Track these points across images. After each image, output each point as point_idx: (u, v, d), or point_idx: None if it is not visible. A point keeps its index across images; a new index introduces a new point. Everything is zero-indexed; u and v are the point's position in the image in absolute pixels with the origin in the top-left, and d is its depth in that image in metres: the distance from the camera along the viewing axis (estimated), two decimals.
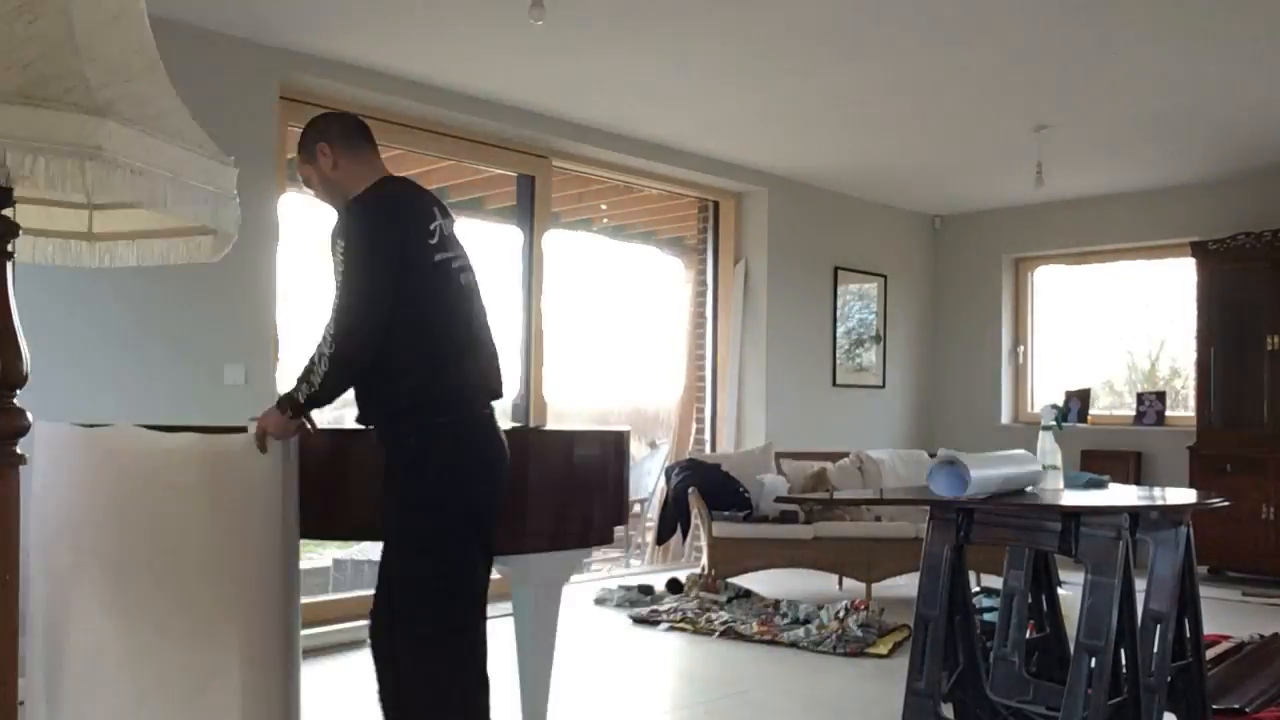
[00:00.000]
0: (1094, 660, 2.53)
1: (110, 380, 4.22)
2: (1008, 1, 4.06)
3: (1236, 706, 3.50)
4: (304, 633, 4.63)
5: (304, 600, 5.29)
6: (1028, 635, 3.13)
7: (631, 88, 5.24)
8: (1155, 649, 2.91)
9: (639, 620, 5.14)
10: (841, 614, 4.76)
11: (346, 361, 2.40)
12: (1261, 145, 6.15)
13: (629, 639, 4.84)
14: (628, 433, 3.36)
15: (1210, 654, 4.33)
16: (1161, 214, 7.35)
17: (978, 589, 4.65)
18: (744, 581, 5.69)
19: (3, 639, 1.53)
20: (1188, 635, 3.05)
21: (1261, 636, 4.65)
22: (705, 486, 5.75)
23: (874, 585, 5.52)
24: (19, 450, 1.56)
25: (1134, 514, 2.78)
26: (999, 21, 4.26)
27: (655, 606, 5.34)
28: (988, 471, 2.67)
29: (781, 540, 5.54)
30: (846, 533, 5.52)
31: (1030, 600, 3.22)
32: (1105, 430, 7.54)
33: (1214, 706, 3.47)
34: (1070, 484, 3.15)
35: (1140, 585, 2.75)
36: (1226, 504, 2.99)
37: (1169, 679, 2.96)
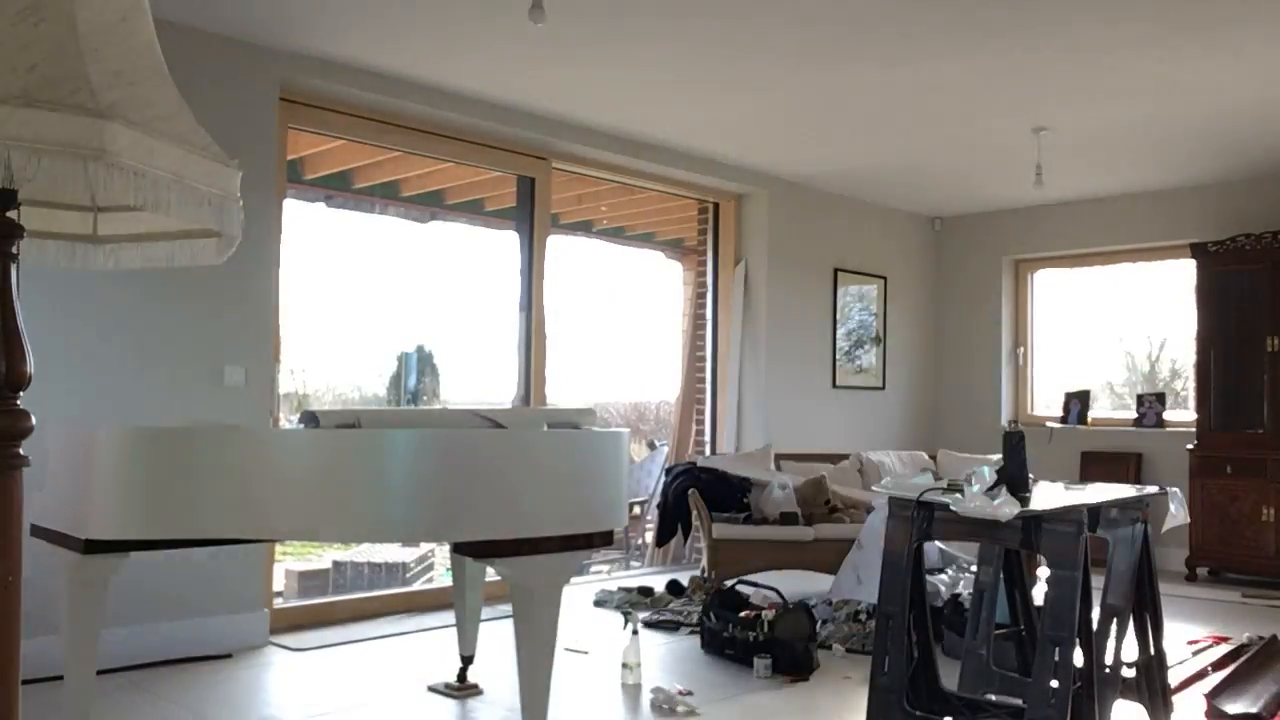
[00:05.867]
0: (1058, 651, 2.56)
1: (111, 381, 4.22)
2: (1007, 3, 4.07)
3: (1253, 711, 3.50)
4: (303, 634, 4.66)
5: (303, 602, 5.31)
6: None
7: (631, 89, 5.25)
8: (1111, 642, 2.95)
9: (649, 624, 5.04)
10: (864, 616, 4.76)
11: None
12: (1261, 146, 6.16)
13: (643, 641, 4.78)
14: (627, 434, 3.36)
15: (1212, 656, 4.35)
16: (1161, 215, 7.36)
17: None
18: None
19: (4, 639, 1.53)
20: (1149, 630, 3.09)
21: (1260, 638, 4.65)
22: (705, 487, 5.75)
23: None
24: (21, 451, 1.56)
25: (1094, 511, 2.81)
26: (998, 23, 4.26)
27: (661, 609, 5.31)
28: None
29: (782, 542, 5.54)
30: (847, 534, 5.52)
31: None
32: (1105, 432, 7.55)
33: (1229, 711, 3.49)
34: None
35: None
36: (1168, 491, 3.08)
37: (1135, 673, 3.02)
